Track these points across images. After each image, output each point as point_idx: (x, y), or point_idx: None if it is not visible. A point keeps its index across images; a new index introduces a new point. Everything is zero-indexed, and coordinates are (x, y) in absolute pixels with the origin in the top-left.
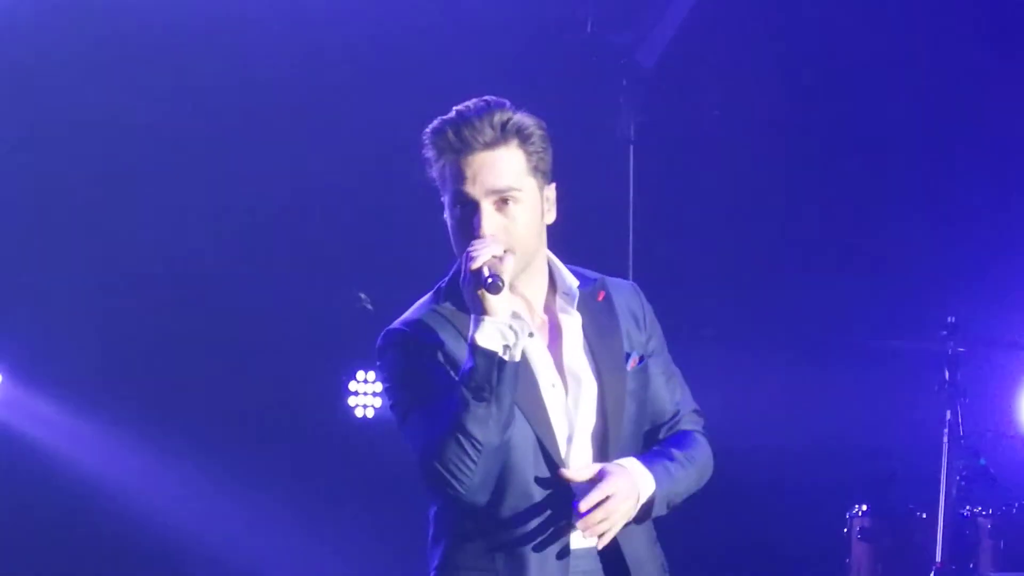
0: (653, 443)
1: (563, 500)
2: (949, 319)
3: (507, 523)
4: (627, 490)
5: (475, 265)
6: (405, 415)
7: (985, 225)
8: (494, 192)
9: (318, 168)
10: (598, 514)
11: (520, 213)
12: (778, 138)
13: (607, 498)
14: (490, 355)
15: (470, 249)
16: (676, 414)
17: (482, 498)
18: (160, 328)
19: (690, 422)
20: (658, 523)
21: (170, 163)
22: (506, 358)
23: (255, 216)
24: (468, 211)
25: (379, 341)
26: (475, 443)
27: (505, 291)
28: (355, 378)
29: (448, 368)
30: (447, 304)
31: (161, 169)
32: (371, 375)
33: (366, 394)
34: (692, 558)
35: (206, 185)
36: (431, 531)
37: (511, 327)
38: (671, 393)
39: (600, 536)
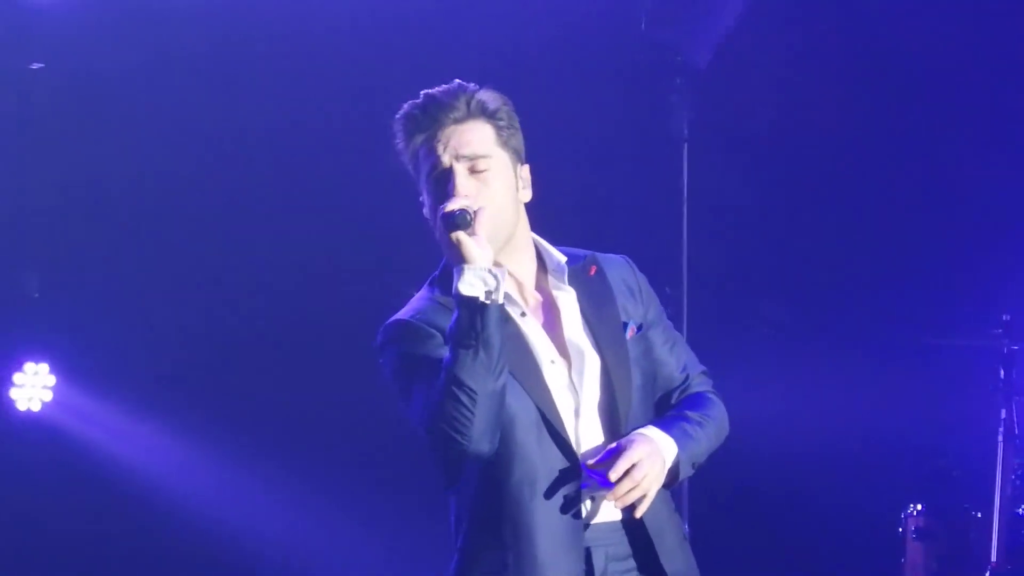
0: (666, 410)
1: (572, 474)
2: (1004, 317)
3: (516, 500)
4: (652, 455)
5: (446, 210)
6: (409, 395)
7: None
8: (465, 158)
9: (373, 165)
10: (626, 484)
11: (493, 179)
12: (831, 136)
13: (633, 467)
14: (471, 301)
15: (442, 205)
16: (685, 379)
17: (487, 447)
18: (211, 328)
19: (700, 384)
20: (713, 520)
21: (218, 164)
22: (487, 302)
23: (308, 216)
24: (443, 180)
25: (378, 337)
26: (469, 392)
27: (482, 240)
28: None
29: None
30: (439, 293)
31: (210, 171)
32: None
33: None
34: (746, 555)
35: (260, 185)
36: (452, 517)
37: (491, 271)
38: (677, 359)
39: (636, 506)
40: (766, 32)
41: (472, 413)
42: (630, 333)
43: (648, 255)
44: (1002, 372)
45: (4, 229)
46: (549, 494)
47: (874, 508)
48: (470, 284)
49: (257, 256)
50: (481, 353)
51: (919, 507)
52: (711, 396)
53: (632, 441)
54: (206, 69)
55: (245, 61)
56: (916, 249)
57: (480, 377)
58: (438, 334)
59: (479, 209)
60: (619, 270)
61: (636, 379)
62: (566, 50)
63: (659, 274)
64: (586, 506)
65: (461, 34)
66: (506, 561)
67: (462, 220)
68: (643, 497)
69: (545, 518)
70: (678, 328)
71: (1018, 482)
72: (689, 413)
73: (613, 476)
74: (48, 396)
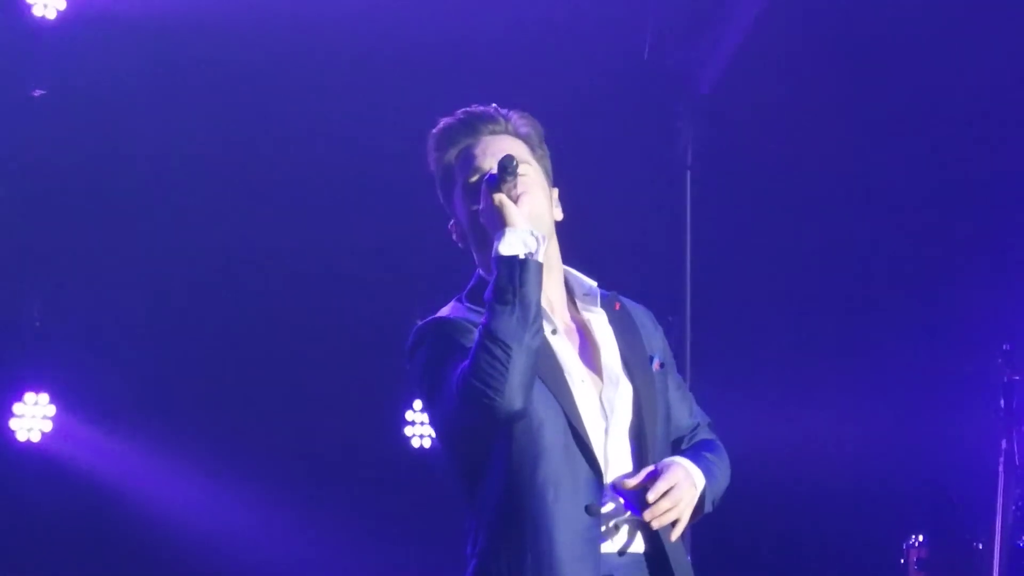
0: (677, 453)
1: (595, 486)
2: (1005, 347)
3: (541, 499)
4: (686, 481)
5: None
6: (439, 386)
7: None
8: None
9: (389, 187)
10: (664, 503)
11: (531, 183)
12: (834, 163)
13: (671, 489)
14: (511, 259)
15: (486, 172)
16: (695, 427)
17: (519, 404)
18: (212, 359)
19: (706, 434)
20: (715, 549)
21: (221, 196)
22: (527, 259)
23: (315, 242)
24: (481, 182)
25: (410, 339)
26: (503, 346)
27: (525, 210)
28: (412, 407)
29: None
30: (469, 304)
31: (213, 202)
32: None
33: (423, 423)
34: None
35: (264, 217)
36: (471, 527)
37: (532, 233)
38: (688, 406)
39: (664, 531)
40: (769, 59)
41: (506, 368)
42: (655, 366)
43: (651, 282)
44: (1002, 402)
45: (5, 257)
46: (571, 499)
47: (876, 538)
48: (510, 245)
49: (258, 287)
50: (517, 310)
51: (920, 537)
52: (719, 443)
53: (668, 466)
54: (209, 91)
55: (249, 81)
56: (917, 279)
57: (515, 332)
58: (470, 330)
59: (523, 195)
60: (640, 313)
61: (662, 409)
62: (569, 76)
63: (662, 301)
64: (611, 535)
65: (464, 58)
66: (524, 563)
67: (508, 162)
68: (677, 521)
69: (565, 523)
70: (681, 354)
71: (1019, 513)
72: (706, 454)
73: (651, 496)
74: (48, 427)
